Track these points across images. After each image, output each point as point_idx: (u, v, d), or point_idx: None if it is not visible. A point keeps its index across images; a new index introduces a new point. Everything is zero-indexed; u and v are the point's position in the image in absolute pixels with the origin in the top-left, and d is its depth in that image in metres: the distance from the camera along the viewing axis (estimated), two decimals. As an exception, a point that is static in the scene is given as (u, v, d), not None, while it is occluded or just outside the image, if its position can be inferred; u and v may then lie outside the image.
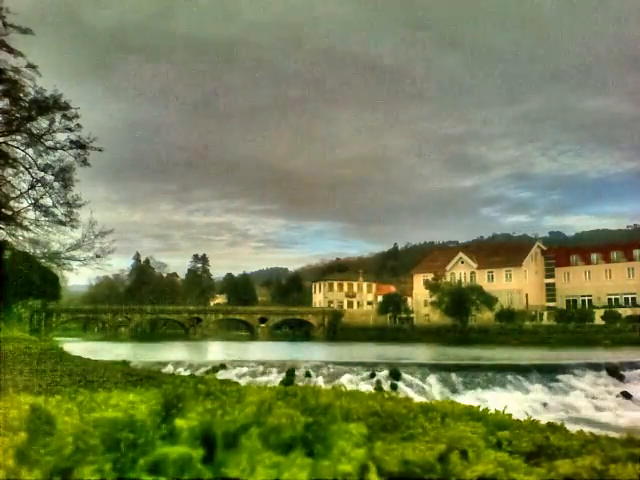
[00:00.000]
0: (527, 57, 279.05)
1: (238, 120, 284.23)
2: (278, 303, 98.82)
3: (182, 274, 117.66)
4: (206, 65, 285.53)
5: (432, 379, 18.21)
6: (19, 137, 23.58)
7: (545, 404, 16.84)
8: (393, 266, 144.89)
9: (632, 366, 20.76)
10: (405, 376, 18.30)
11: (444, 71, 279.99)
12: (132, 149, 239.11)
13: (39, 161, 23.76)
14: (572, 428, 2.16)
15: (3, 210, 23.60)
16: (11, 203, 24.32)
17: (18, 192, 24.25)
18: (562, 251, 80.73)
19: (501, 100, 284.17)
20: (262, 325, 78.83)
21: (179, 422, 1.29)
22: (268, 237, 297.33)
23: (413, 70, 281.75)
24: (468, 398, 15.43)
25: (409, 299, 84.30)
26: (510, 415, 2.28)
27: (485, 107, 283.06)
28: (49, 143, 23.55)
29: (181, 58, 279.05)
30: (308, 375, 18.53)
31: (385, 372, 18.53)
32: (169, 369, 17.41)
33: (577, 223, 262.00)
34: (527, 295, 73.15)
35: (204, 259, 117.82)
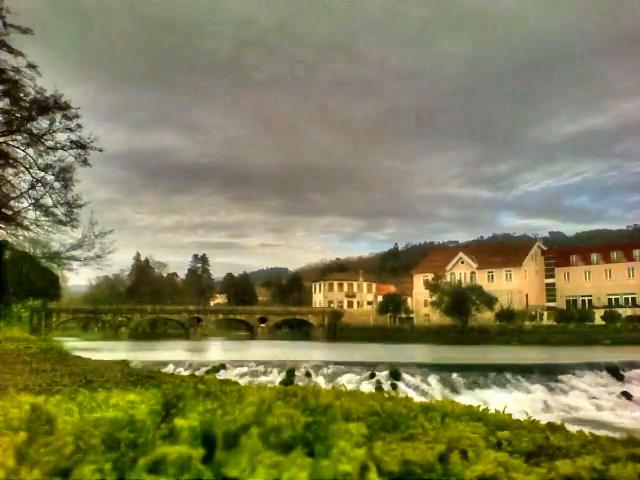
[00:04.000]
0: None
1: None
2: (278, 303, 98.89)
3: (182, 274, 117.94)
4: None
5: (432, 379, 18.19)
6: (19, 137, 23.61)
7: (545, 404, 16.83)
8: (393, 266, 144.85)
9: (632, 366, 20.74)
10: (405, 376, 18.29)
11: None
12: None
13: (39, 161, 23.80)
14: (572, 428, 2.15)
15: (3, 210, 23.60)
16: (11, 203, 24.35)
17: (18, 192, 24.28)
18: (562, 251, 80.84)
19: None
20: (262, 325, 78.82)
21: (179, 422, 1.29)
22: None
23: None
24: (468, 398, 15.40)
25: (409, 299, 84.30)
26: (510, 415, 2.28)
27: None
28: (49, 143, 23.58)
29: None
30: (308, 375, 18.52)
31: (385, 372, 18.52)
32: (169, 369, 17.40)
33: None
34: (527, 295, 73.15)
35: (204, 259, 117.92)
